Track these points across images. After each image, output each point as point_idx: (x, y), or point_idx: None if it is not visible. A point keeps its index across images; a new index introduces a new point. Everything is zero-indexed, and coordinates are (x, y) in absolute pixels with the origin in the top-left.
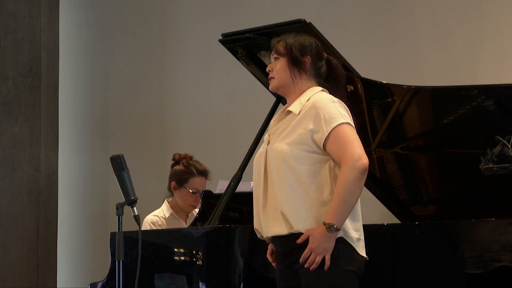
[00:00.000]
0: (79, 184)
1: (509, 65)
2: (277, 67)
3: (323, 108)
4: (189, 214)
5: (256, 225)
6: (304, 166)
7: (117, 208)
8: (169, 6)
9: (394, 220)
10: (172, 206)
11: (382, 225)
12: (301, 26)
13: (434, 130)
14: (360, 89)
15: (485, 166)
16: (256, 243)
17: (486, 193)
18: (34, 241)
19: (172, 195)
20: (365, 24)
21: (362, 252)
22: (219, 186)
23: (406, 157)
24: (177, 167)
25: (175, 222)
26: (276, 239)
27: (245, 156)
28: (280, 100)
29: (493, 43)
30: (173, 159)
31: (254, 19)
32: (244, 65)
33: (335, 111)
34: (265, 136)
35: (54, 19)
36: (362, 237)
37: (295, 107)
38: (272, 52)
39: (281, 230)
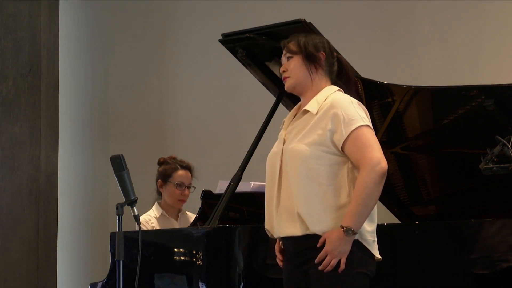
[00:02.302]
0: (79, 184)
1: (509, 65)
2: (292, 65)
3: (342, 109)
4: (180, 215)
5: (267, 225)
6: (323, 167)
7: (117, 208)
8: (169, 6)
9: (394, 220)
10: (162, 206)
11: (382, 225)
12: (301, 26)
13: (434, 130)
14: (360, 89)
15: (485, 166)
16: (256, 243)
17: (486, 193)
18: (34, 241)
19: (161, 197)
20: (365, 24)
21: (377, 253)
22: (219, 186)
23: (406, 157)
24: (162, 167)
25: (166, 221)
26: (288, 239)
27: (245, 156)
28: (280, 100)
29: (493, 43)
30: (158, 163)
31: (254, 19)
32: (244, 65)
33: (354, 113)
34: (280, 135)
35: (54, 19)
36: (376, 239)
37: (312, 106)
38: (284, 53)
39: (295, 231)
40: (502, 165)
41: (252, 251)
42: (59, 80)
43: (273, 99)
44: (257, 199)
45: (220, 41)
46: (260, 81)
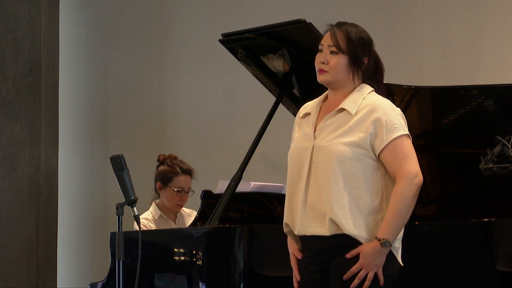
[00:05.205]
0: (79, 184)
1: (509, 65)
2: (334, 62)
3: (385, 114)
4: (178, 215)
5: (288, 220)
6: (360, 169)
7: (117, 208)
8: (169, 6)
9: None
10: (160, 207)
11: None
12: (301, 26)
13: (434, 130)
14: None
15: (485, 166)
16: (256, 243)
17: (486, 193)
18: (34, 241)
19: (159, 196)
20: (365, 24)
21: (400, 260)
22: (219, 186)
23: None
24: (162, 167)
25: (165, 223)
26: (313, 237)
27: (245, 156)
28: (280, 100)
29: (493, 43)
30: (158, 160)
31: (254, 19)
32: (244, 65)
33: (397, 120)
34: (307, 131)
35: (54, 19)
36: (401, 245)
37: (350, 106)
38: (330, 42)
39: (324, 231)
40: (502, 165)
41: (252, 251)
42: (59, 80)
43: (273, 99)
44: (257, 199)
45: (220, 41)
46: (260, 81)
